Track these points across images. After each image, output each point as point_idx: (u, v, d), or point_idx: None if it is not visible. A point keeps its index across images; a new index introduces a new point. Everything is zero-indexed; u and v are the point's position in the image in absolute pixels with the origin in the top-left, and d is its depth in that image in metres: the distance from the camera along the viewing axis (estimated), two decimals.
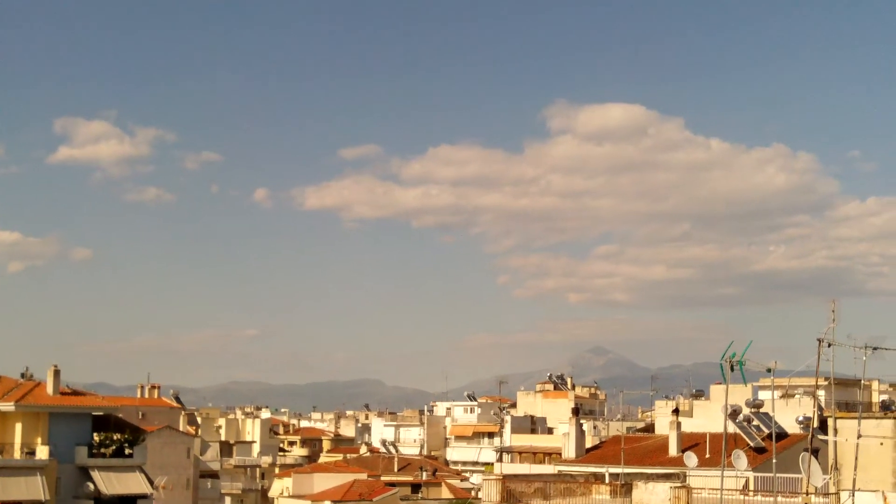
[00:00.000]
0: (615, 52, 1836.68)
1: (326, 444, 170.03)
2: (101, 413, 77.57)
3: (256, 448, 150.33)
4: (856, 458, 42.50)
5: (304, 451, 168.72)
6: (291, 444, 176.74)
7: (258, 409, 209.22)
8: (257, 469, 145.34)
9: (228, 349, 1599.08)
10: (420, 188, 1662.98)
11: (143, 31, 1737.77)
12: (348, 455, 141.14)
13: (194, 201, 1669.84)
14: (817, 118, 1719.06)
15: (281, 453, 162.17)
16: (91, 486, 73.01)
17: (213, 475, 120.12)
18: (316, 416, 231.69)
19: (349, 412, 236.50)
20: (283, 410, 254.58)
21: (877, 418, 48.92)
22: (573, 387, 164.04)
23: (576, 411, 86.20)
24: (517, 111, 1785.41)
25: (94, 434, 75.77)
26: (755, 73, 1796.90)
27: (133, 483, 75.29)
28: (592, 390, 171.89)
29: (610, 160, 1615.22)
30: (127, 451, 75.98)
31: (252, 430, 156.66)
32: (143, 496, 75.67)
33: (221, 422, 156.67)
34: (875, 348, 41.17)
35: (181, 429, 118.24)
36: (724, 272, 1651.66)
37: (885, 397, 75.72)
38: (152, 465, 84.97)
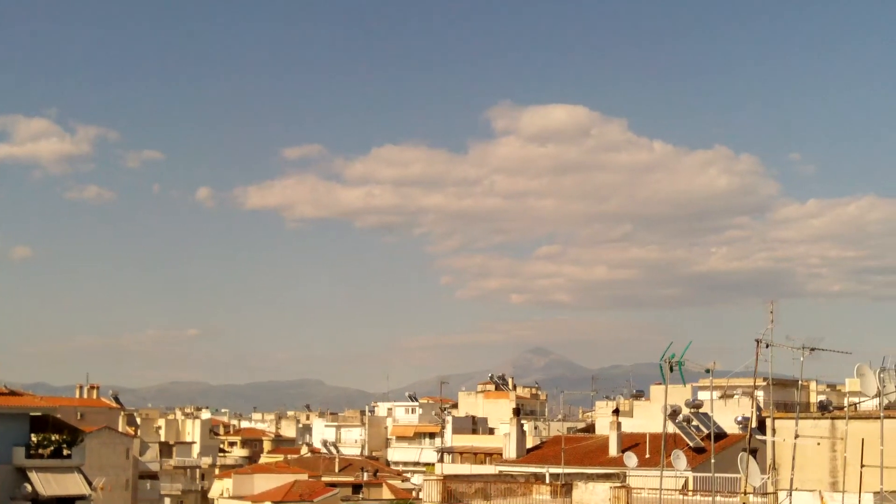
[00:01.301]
0: (559, 53, 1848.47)
1: (267, 445, 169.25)
2: (39, 413, 76.62)
3: (196, 449, 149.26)
4: (793, 458, 42.89)
5: (244, 452, 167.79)
6: (232, 444, 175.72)
7: (198, 409, 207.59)
8: (197, 470, 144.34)
9: (169, 349, 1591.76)
10: (363, 188, 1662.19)
11: (85, 28, 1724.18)
12: (289, 456, 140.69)
13: (136, 200, 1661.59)
14: (759, 121, 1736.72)
15: (221, 454, 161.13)
16: (29, 487, 72.12)
17: (153, 476, 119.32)
18: (256, 416, 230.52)
19: (290, 413, 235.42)
20: (223, 411, 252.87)
21: (814, 418, 49.41)
22: (514, 387, 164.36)
23: (517, 412, 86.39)
24: (461, 112, 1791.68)
25: (32, 435, 74.83)
26: (698, 75, 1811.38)
27: (71, 484, 74.48)
28: (534, 391, 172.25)
29: (553, 161, 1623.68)
30: (65, 452, 75.10)
31: (192, 431, 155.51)
32: (82, 497, 74.86)
33: (161, 422, 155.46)
34: (812, 349, 41.53)
35: (120, 429, 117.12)
36: (666, 273, 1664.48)
37: (822, 398, 76.30)
38: (91, 466, 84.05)
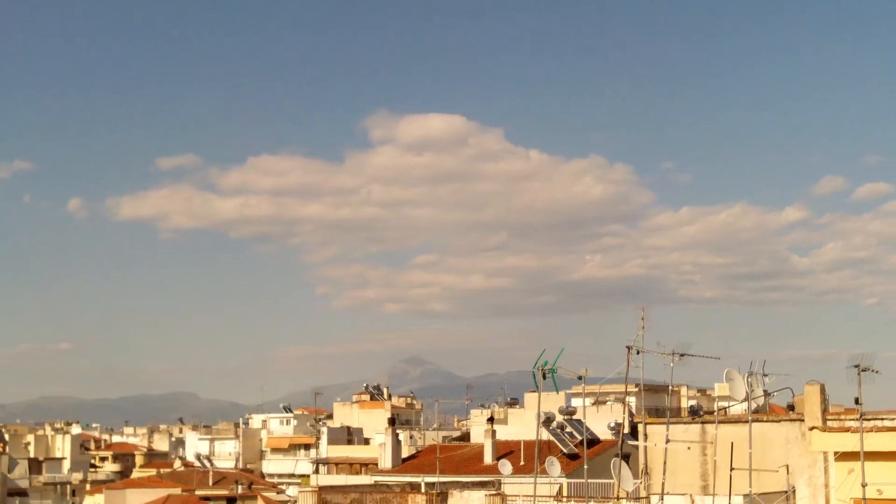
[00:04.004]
0: (436, 62, 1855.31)
1: (139, 459, 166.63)
2: None
3: (67, 464, 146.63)
4: (664, 463, 43.38)
5: (116, 467, 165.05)
6: (103, 459, 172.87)
7: (69, 424, 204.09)
8: (68, 486, 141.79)
9: (40, 364, 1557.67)
10: (239, 198, 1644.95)
11: None
12: (162, 470, 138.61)
13: (5, 211, 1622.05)
14: (634, 131, 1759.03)
15: (92, 469, 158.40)
16: None
17: (22, 493, 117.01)
18: (128, 430, 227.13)
19: (162, 426, 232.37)
20: (94, 426, 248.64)
21: (685, 423, 50.09)
22: (390, 397, 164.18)
23: (392, 421, 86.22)
24: (338, 121, 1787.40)
25: None
26: (574, 85, 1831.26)
27: None
28: (409, 400, 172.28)
29: (430, 170, 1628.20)
30: None
31: (62, 447, 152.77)
32: None
33: (30, 438, 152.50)
34: (682, 354, 42.05)
35: None
36: (542, 281, 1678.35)
37: (693, 403, 77.31)
38: None
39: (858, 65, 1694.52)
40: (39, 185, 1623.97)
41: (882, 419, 41.46)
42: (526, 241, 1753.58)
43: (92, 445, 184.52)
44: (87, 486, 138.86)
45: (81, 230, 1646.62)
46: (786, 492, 43.39)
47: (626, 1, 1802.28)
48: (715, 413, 52.60)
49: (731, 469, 42.04)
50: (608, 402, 79.73)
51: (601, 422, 71.72)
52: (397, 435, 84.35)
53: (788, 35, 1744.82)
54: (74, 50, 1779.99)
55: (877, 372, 36.20)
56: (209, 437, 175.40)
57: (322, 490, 57.77)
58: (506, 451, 72.76)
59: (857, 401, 36.68)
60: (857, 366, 36.06)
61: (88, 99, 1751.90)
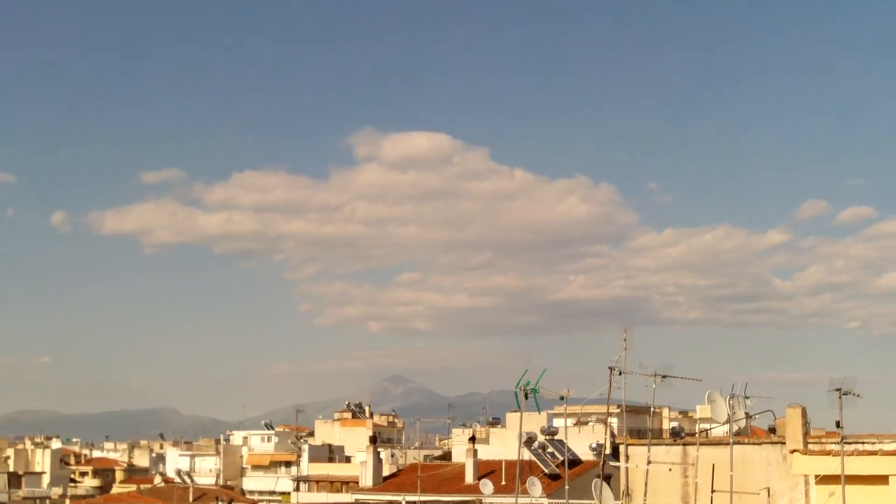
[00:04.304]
0: (422, 81, 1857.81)
1: (119, 475, 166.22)
2: None
3: (47, 479, 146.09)
4: (646, 484, 43.39)
5: (96, 482, 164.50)
6: (83, 474, 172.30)
7: (49, 438, 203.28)
8: (47, 500, 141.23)
9: (20, 377, 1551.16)
10: (223, 214, 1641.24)
11: None
12: (142, 485, 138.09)
13: None
14: (618, 151, 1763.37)
15: (72, 484, 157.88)
16: None
17: None
18: (109, 445, 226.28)
19: (143, 441, 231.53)
20: (74, 440, 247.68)
21: (666, 445, 50.13)
22: (371, 415, 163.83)
23: (373, 439, 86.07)
24: (323, 138, 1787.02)
25: None
26: (559, 105, 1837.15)
27: None
28: (391, 418, 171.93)
29: (415, 188, 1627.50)
30: None
31: (42, 461, 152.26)
32: None
33: (10, 452, 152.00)
34: (664, 376, 42.07)
35: None
36: (525, 301, 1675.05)
37: (674, 424, 77.41)
38: None
39: (841, 88, 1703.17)
40: (23, 198, 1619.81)
41: (863, 443, 41.52)
42: (510, 261, 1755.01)
43: (72, 460, 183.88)
44: (67, 501, 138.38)
45: (65, 244, 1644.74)
46: None
47: (612, 22, 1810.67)
48: (696, 435, 52.68)
49: (713, 491, 42.08)
50: (590, 423, 79.67)
51: (583, 442, 71.65)
52: (378, 453, 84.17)
53: (772, 58, 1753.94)
54: (59, 63, 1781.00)
55: (858, 395, 36.27)
56: (190, 453, 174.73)
57: None
58: (487, 470, 72.70)
59: (838, 424, 36.73)
60: (838, 389, 36.13)
61: (73, 112, 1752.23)
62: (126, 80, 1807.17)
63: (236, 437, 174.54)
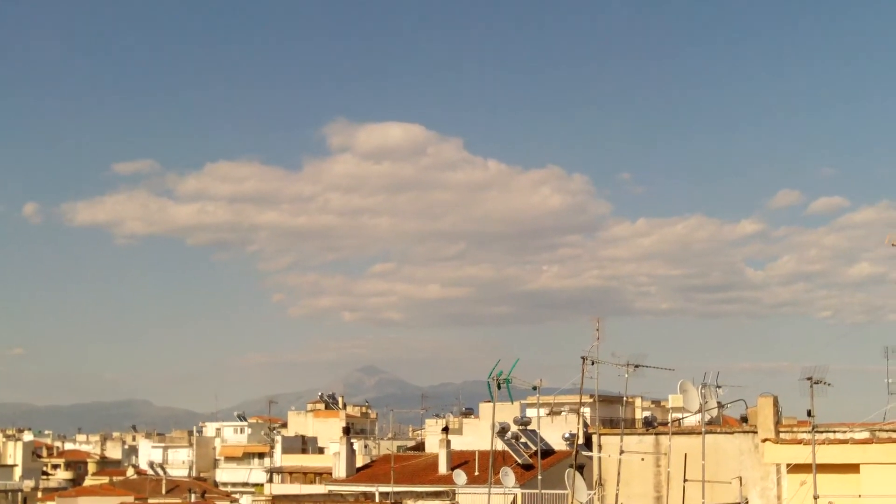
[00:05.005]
0: (395, 71, 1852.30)
1: (92, 467, 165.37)
2: None
3: (18, 471, 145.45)
4: (618, 474, 43.53)
5: (68, 475, 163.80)
6: (55, 467, 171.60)
7: (20, 430, 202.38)
8: (19, 493, 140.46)
9: None
10: (196, 204, 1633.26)
11: None
12: (115, 478, 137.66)
13: None
14: (592, 142, 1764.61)
15: (44, 477, 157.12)
16: None
17: None
18: (81, 437, 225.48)
19: (116, 434, 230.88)
20: (46, 432, 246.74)
21: (639, 434, 50.24)
22: (344, 406, 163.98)
23: (346, 430, 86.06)
24: (297, 128, 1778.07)
25: None
26: (533, 96, 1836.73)
27: None
28: (364, 409, 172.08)
29: (388, 179, 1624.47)
30: None
31: (13, 453, 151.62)
32: None
33: None
34: (637, 366, 42.20)
35: None
36: (498, 291, 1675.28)
37: (647, 414, 77.64)
38: None
39: (814, 80, 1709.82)
40: None
41: (834, 432, 41.70)
42: (483, 251, 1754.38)
43: (44, 452, 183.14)
44: (39, 494, 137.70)
45: (36, 235, 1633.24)
46: (739, 503, 43.60)
47: (583, 14, 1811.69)
48: (669, 424, 52.79)
49: (685, 480, 42.21)
50: (563, 413, 79.91)
51: (556, 432, 71.86)
52: (352, 444, 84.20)
53: (744, 50, 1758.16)
54: (30, 53, 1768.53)
55: (829, 384, 36.41)
56: (162, 445, 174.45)
57: (276, 499, 57.72)
58: (460, 461, 72.81)
59: (809, 413, 36.86)
60: (809, 378, 36.25)
61: (45, 102, 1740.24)
62: (98, 71, 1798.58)
63: (209, 429, 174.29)
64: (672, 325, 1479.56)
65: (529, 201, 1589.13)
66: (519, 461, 68.53)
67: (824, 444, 37.45)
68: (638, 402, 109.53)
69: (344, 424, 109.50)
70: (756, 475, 44.61)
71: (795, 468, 38.32)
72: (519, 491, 57.94)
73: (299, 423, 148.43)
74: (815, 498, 35.85)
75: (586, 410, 70.70)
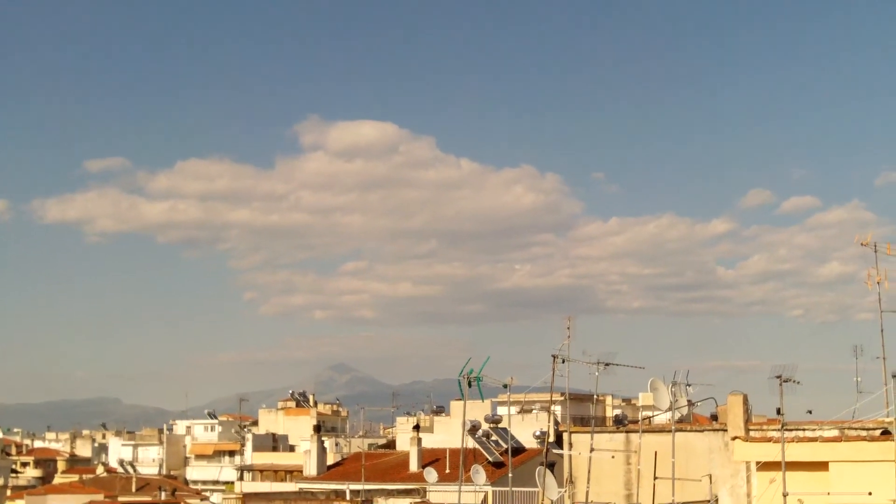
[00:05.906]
0: (368, 70, 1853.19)
1: (61, 465, 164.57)
2: None
3: None
4: (589, 472, 43.59)
5: (37, 473, 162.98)
6: (24, 465, 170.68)
7: None
8: None
9: None
10: (167, 202, 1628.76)
11: None
12: (84, 476, 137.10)
13: None
14: (564, 141, 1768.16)
15: (13, 475, 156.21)
16: None
17: None
18: (50, 435, 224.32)
19: (85, 431, 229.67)
20: (15, 430, 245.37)
21: (609, 432, 50.42)
22: (315, 404, 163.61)
23: (317, 428, 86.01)
24: (268, 126, 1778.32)
25: None
26: (505, 95, 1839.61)
27: None
28: (335, 407, 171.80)
29: (360, 177, 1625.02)
30: None
31: None
32: None
33: None
34: (607, 364, 42.28)
35: None
36: (470, 290, 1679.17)
37: (618, 412, 77.92)
38: None
39: (784, 80, 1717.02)
40: None
41: (803, 430, 41.94)
42: (455, 250, 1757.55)
43: (13, 450, 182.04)
44: (8, 492, 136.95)
45: (6, 232, 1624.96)
46: (709, 501, 43.74)
47: (555, 15, 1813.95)
48: (639, 422, 52.98)
49: (655, 478, 42.35)
50: (534, 411, 79.94)
51: (526, 430, 71.92)
52: (323, 442, 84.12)
53: (716, 50, 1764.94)
54: (3, 50, 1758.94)
55: (798, 383, 36.55)
56: (133, 443, 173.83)
57: (246, 497, 57.56)
58: (431, 458, 72.82)
59: (778, 411, 37.01)
60: (779, 377, 36.40)
61: (15, 99, 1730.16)
62: (69, 69, 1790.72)
63: (179, 427, 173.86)
64: (643, 323, 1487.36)
65: (502, 200, 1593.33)
66: (490, 459, 68.56)
67: (794, 441, 37.63)
68: (609, 400, 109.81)
69: (315, 422, 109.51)
70: (726, 473, 44.82)
71: (765, 466, 38.48)
72: (490, 489, 57.95)
73: (270, 421, 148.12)
74: (785, 495, 36.00)
75: (557, 408, 70.76)
